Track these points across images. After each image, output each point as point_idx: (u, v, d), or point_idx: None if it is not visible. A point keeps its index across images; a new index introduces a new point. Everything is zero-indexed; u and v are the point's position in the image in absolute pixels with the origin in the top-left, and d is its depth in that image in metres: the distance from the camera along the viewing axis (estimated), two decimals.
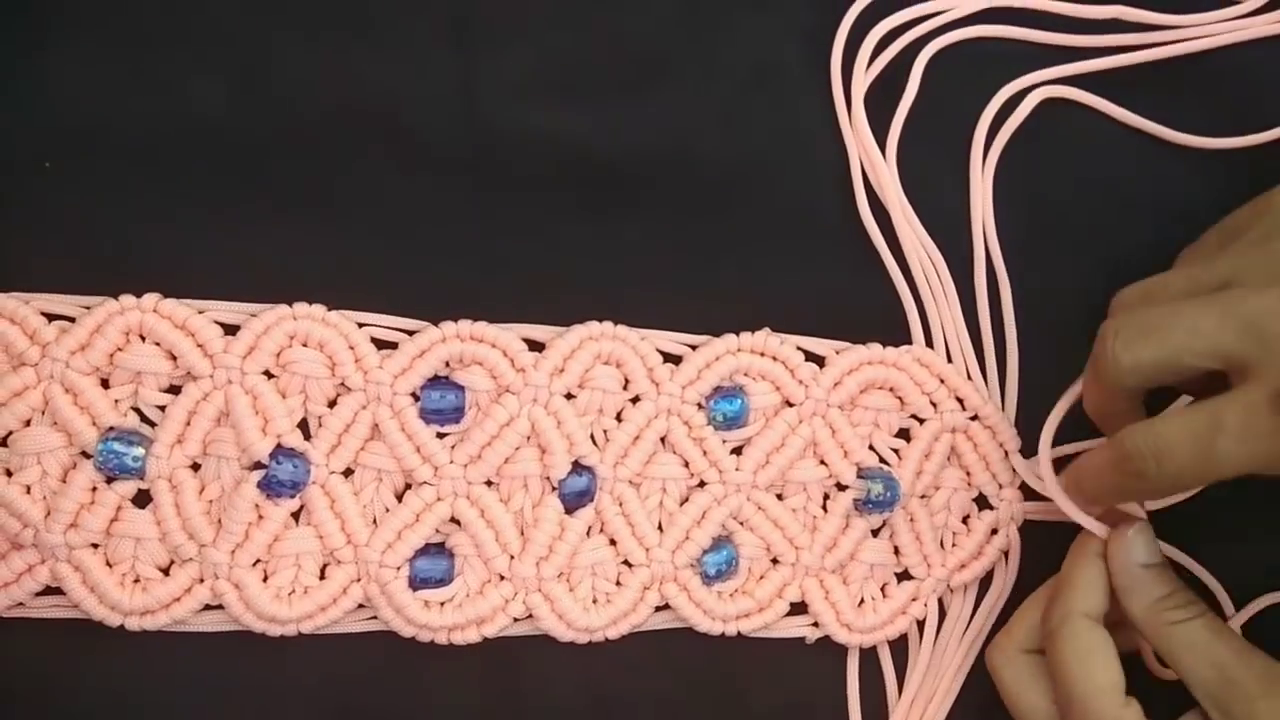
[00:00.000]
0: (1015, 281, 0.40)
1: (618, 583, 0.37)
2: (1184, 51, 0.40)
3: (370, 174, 0.36)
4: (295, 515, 0.35)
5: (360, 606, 0.36)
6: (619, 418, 0.37)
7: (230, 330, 0.35)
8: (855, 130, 0.39)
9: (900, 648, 0.39)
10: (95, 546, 0.34)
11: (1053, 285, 0.40)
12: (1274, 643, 0.37)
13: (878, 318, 0.39)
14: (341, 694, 0.36)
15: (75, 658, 0.35)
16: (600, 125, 0.37)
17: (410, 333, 0.36)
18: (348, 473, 0.35)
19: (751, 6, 0.38)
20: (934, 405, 0.39)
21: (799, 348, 0.38)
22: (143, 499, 0.34)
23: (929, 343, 0.39)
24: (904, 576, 0.39)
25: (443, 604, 0.36)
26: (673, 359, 0.37)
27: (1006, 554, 0.39)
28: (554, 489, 0.36)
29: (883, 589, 0.39)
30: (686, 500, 0.37)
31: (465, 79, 0.37)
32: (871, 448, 0.39)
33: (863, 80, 0.39)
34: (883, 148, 0.39)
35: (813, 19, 0.39)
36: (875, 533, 0.39)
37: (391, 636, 0.36)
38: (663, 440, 0.37)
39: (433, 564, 0.36)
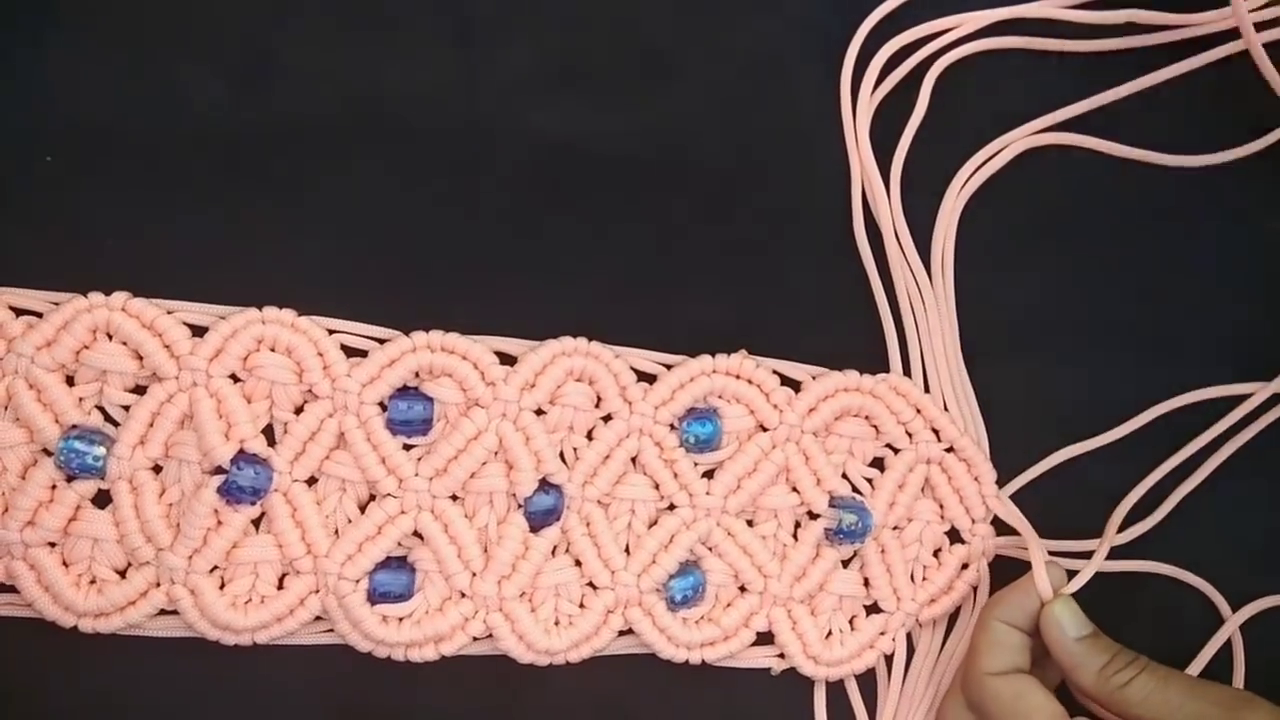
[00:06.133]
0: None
1: (581, 605, 0.36)
2: (1183, 71, 0.39)
3: (369, 174, 0.36)
4: (256, 522, 0.35)
5: (318, 619, 0.35)
6: (589, 436, 0.36)
7: (199, 332, 0.34)
8: (860, 156, 0.38)
9: (866, 680, 0.39)
10: (52, 545, 0.34)
11: (1055, 316, 0.40)
12: (1267, 646, 0.39)
13: (861, 340, 0.38)
14: (339, 694, 0.36)
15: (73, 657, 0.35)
16: (600, 125, 0.37)
17: (381, 341, 0.35)
18: (311, 481, 0.35)
19: (753, 7, 0.38)
20: (910, 435, 0.38)
21: (775, 371, 0.37)
22: (103, 499, 0.34)
23: (908, 371, 0.39)
24: (873, 609, 0.39)
25: (401, 619, 0.35)
26: (647, 378, 0.37)
27: (975, 589, 0.39)
28: (520, 506, 0.35)
29: (851, 621, 0.38)
30: (655, 523, 0.37)
31: (466, 77, 0.36)
32: (845, 476, 0.38)
33: (868, 106, 0.38)
34: (887, 169, 0.38)
35: (814, 20, 0.38)
36: (845, 563, 0.38)
37: None
38: (633, 461, 0.37)
39: (393, 578, 0.35)
